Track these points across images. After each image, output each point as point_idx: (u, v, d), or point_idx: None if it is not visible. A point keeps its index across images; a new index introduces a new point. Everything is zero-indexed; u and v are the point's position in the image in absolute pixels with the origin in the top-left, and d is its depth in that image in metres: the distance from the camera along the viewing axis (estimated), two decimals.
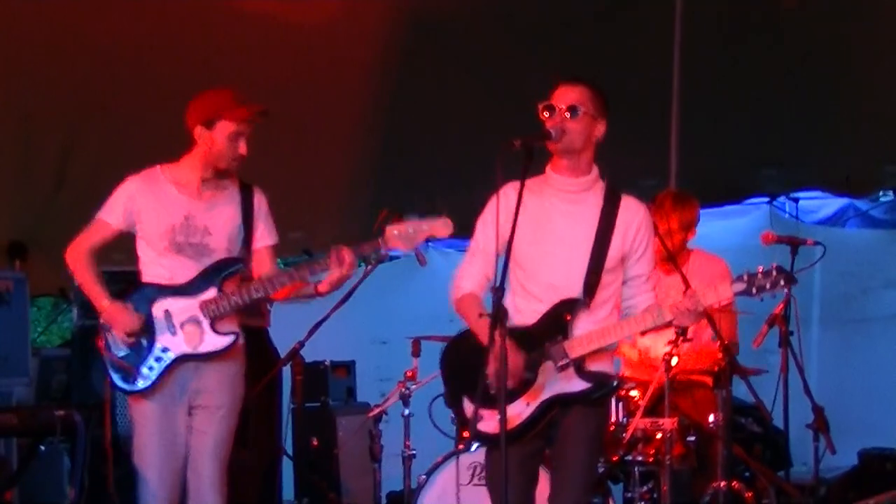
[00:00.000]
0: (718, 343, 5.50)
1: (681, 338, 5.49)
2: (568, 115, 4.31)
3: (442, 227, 4.60)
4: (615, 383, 4.45)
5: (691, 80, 7.33)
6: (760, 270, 4.26)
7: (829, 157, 8.52)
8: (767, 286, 4.25)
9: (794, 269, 5.79)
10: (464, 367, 4.36)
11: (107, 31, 6.76)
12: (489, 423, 4.22)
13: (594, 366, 4.36)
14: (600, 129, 4.40)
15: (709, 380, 5.85)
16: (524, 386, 4.34)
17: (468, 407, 4.39)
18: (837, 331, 9.13)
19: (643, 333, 4.46)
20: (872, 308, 9.06)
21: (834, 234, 8.97)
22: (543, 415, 4.35)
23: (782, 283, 4.25)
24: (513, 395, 4.30)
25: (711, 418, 5.59)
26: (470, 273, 4.47)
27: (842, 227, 9.40)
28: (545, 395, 4.34)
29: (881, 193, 9.31)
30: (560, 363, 4.30)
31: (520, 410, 4.34)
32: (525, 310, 4.39)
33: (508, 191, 4.26)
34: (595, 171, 4.45)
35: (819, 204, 9.46)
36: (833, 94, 7.89)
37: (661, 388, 5.53)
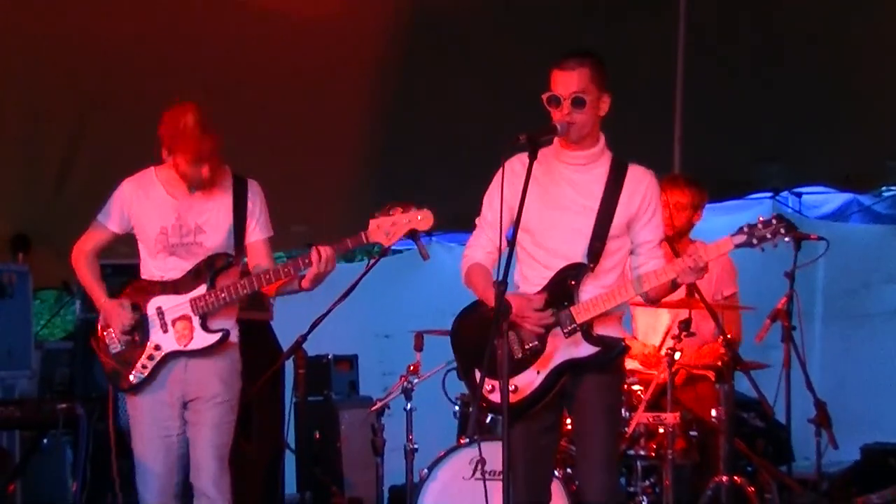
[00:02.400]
0: (721, 338, 5.50)
1: (684, 332, 5.49)
2: (574, 107, 4.25)
3: (422, 220, 4.59)
4: (623, 345, 4.40)
5: (694, 75, 7.31)
6: (761, 220, 4.22)
7: (832, 153, 8.50)
8: (768, 236, 4.20)
9: (797, 264, 5.79)
10: (473, 339, 4.35)
11: (111, 28, 6.75)
12: (500, 394, 4.15)
13: (602, 330, 4.34)
14: (606, 103, 4.33)
15: (711, 374, 5.85)
16: (533, 355, 4.33)
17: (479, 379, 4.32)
18: (840, 326, 9.13)
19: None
20: (875, 303, 9.07)
21: (837, 229, 8.97)
22: (554, 382, 4.32)
23: (783, 231, 4.19)
24: (522, 365, 4.31)
25: (714, 413, 5.59)
26: (479, 244, 4.47)
27: (845, 222, 9.40)
28: (555, 362, 4.32)
29: (884, 188, 9.30)
30: (567, 328, 4.30)
31: (531, 379, 4.33)
32: (533, 278, 4.39)
33: (514, 162, 4.26)
34: (602, 140, 4.41)
35: (822, 199, 9.46)
36: (836, 90, 7.87)
37: (664, 383, 5.53)
